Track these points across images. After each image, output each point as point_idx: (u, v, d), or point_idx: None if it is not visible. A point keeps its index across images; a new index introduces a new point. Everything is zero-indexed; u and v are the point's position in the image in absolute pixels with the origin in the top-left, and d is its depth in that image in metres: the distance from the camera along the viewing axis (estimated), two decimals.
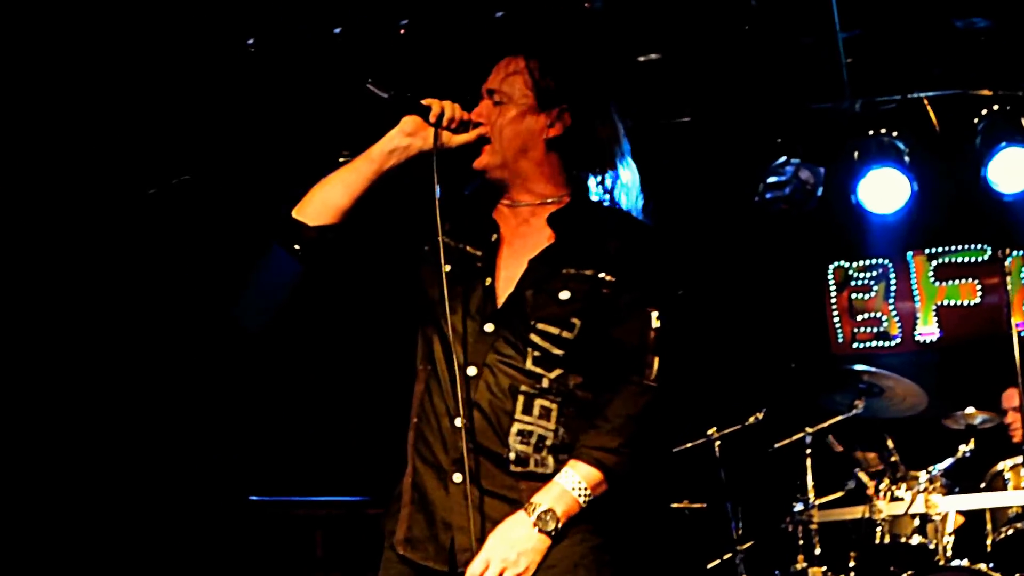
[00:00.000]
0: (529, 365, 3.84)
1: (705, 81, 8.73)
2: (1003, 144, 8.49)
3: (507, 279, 3.95)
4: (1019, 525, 7.44)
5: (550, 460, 3.81)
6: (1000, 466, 7.72)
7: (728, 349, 9.43)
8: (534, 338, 3.85)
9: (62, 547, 8.20)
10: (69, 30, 7.49)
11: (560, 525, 3.73)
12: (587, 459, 3.77)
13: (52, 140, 8.15)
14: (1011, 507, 7.50)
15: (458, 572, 3.79)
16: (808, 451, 7.83)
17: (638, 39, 8.36)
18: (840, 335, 10.01)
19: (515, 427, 3.81)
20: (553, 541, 3.73)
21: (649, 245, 4.01)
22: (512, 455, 3.80)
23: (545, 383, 3.84)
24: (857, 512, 7.60)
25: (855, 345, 9.95)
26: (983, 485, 7.76)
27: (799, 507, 7.72)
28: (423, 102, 3.89)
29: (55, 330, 8.48)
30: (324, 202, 3.91)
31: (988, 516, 7.66)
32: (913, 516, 7.48)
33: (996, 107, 8.65)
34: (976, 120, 8.72)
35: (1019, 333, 6.93)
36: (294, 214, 3.92)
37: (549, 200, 4.06)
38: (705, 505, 8.34)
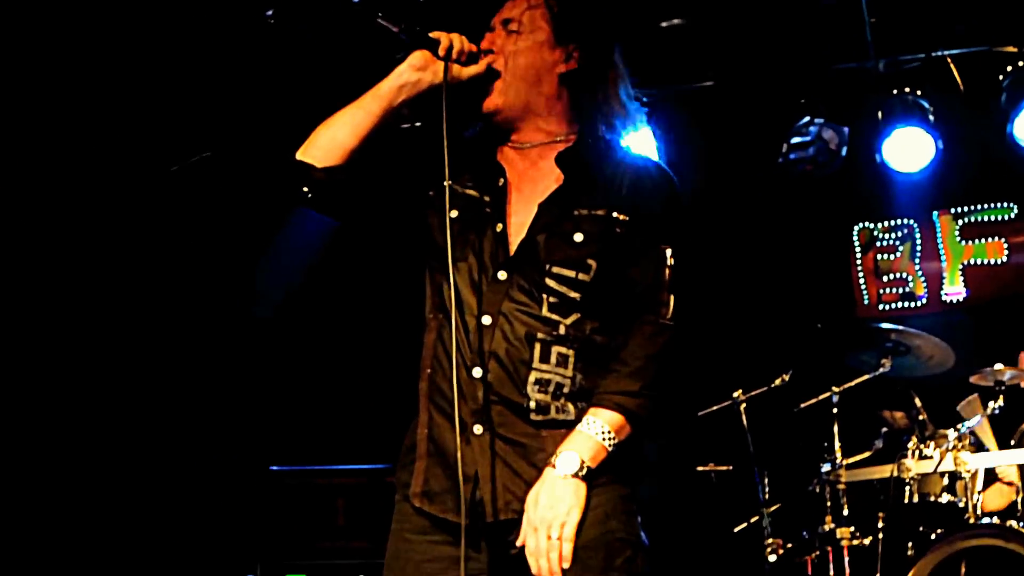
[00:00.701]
0: (545, 312, 3.77)
1: (727, 44, 8.68)
2: None
3: (518, 225, 3.89)
4: None
5: (570, 407, 3.75)
6: None
7: (753, 312, 9.39)
8: (550, 283, 3.78)
9: (86, 519, 8.21)
10: (87, 10, 7.50)
11: (590, 470, 3.67)
12: (608, 404, 3.71)
13: (68, 119, 8.15)
14: None
15: (479, 525, 3.74)
16: (835, 411, 7.75)
17: (660, 4, 8.35)
18: (866, 297, 9.94)
19: (533, 376, 3.74)
20: (587, 485, 3.67)
21: (660, 183, 3.95)
22: (532, 404, 3.73)
23: (562, 329, 3.77)
24: (885, 471, 7.51)
25: (881, 307, 9.87)
26: (1013, 442, 7.71)
27: (826, 468, 7.65)
28: (432, 35, 3.82)
29: (76, 307, 8.48)
30: (331, 141, 3.82)
31: (1018, 473, 7.60)
32: (942, 474, 7.41)
33: (1021, 63, 8.54)
34: (1001, 77, 8.62)
35: None
36: (300, 156, 3.83)
37: (558, 139, 3.99)
38: (731, 468, 8.29)
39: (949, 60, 8.69)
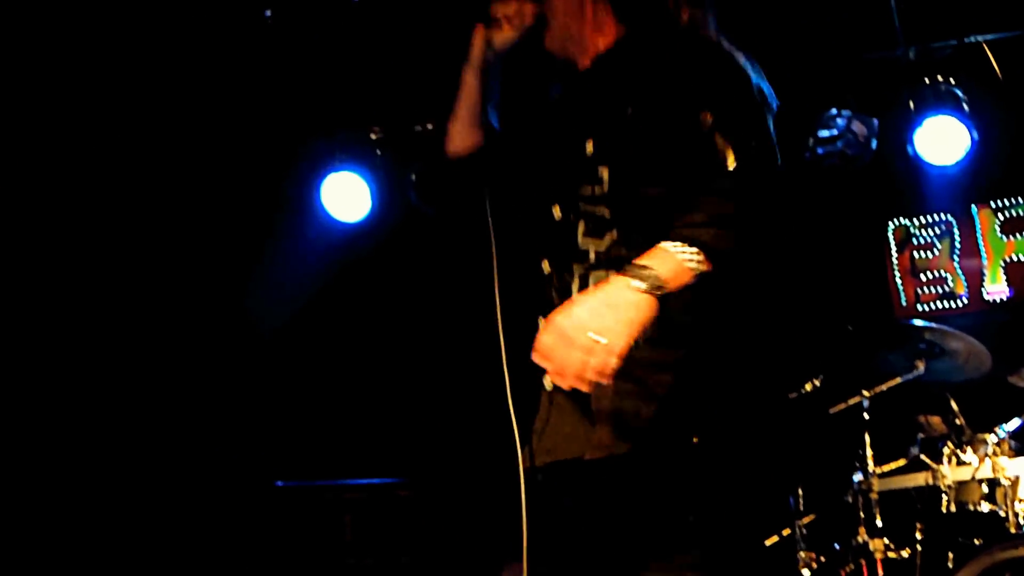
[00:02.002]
0: (580, 240, 3.55)
1: (749, 34, 8.38)
2: None
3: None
4: None
5: None
6: None
7: (784, 316, 9.05)
8: (582, 207, 3.54)
9: (91, 534, 8.20)
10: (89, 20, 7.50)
11: (667, 296, 3.17)
12: (679, 237, 3.24)
13: (71, 127, 8.20)
14: None
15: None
16: (866, 417, 7.41)
17: None
18: (903, 297, 9.56)
19: None
20: (660, 308, 3.16)
21: (701, 68, 3.63)
22: None
23: (592, 257, 3.51)
24: (920, 479, 7.26)
25: (920, 307, 9.49)
26: None
27: (858, 476, 7.33)
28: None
29: (84, 316, 8.51)
30: (463, 126, 3.92)
31: None
32: (980, 482, 7.11)
33: None
34: None
35: None
36: (449, 153, 3.94)
37: (603, 51, 3.83)
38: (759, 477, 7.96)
39: (985, 46, 8.33)
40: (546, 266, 3.64)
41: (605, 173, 3.51)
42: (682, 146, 3.43)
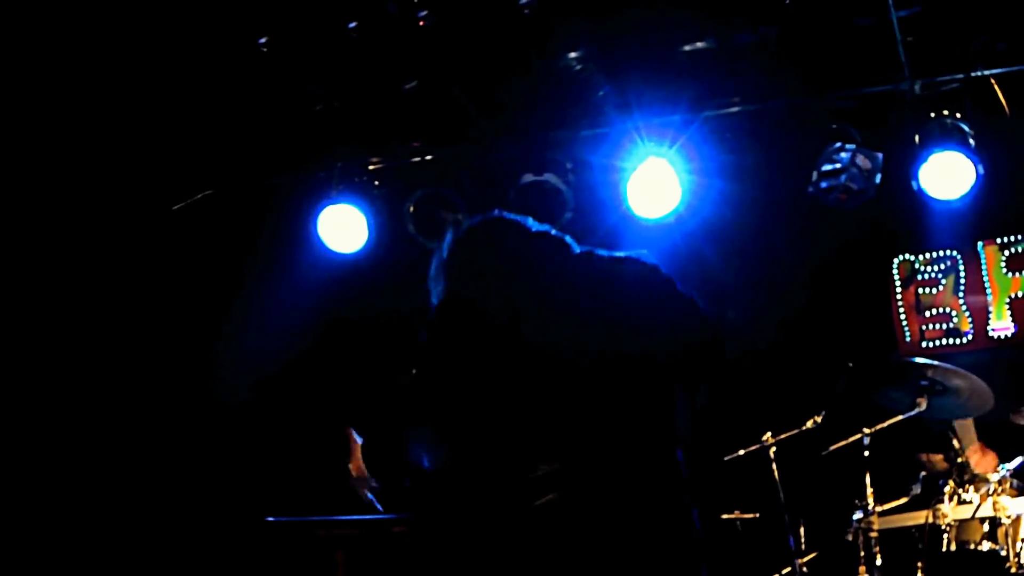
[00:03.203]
0: None
1: (754, 67, 8.34)
2: None
3: None
4: None
5: None
6: None
7: (788, 352, 8.95)
8: None
9: (85, 568, 8.21)
10: (84, 40, 7.46)
11: None
12: None
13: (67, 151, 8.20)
14: None
15: None
16: (866, 454, 7.28)
17: (683, 28, 8.02)
18: (908, 334, 9.46)
19: None
20: None
21: None
22: None
23: None
24: (920, 518, 7.14)
25: (924, 344, 9.39)
26: None
27: (858, 515, 7.21)
28: None
29: (75, 345, 8.53)
30: None
31: None
32: (982, 520, 7.02)
33: None
34: None
35: None
36: None
37: None
38: (758, 515, 7.88)
39: (992, 80, 8.23)
40: None
41: None
42: None
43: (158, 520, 8.43)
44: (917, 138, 8.30)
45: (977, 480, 7.12)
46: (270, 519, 7.96)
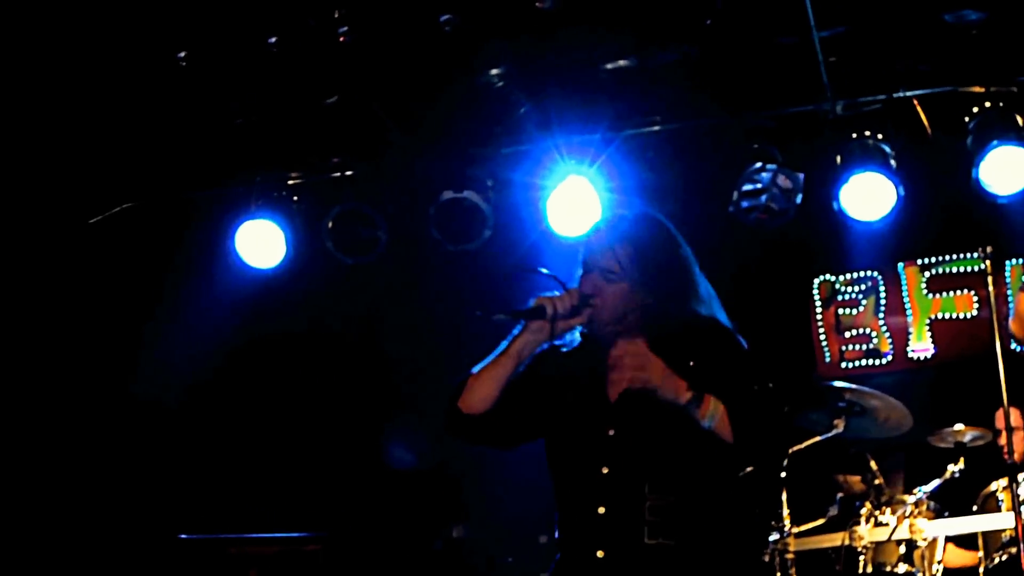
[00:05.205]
0: None
1: (675, 86, 8.31)
2: (995, 143, 7.89)
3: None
4: (1013, 550, 6.84)
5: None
6: (993, 486, 7.21)
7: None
8: None
9: None
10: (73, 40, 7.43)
11: None
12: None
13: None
14: (1004, 530, 6.95)
15: None
16: (783, 475, 7.22)
17: (605, 45, 7.99)
18: (827, 354, 9.44)
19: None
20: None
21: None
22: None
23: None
24: (837, 539, 7.17)
25: (844, 364, 9.38)
26: (975, 508, 7.22)
27: (775, 536, 7.15)
28: (536, 302, 4.52)
29: None
30: (482, 395, 4.59)
31: (980, 541, 7.10)
32: (898, 543, 7.05)
33: (988, 104, 8.06)
34: (967, 119, 8.12)
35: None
36: (461, 408, 4.61)
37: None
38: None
39: (915, 102, 8.23)
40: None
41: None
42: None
43: (65, 533, 8.34)
44: (838, 159, 8.28)
45: (894, 502, 7.12)
46: (182, 536, 7.93)
